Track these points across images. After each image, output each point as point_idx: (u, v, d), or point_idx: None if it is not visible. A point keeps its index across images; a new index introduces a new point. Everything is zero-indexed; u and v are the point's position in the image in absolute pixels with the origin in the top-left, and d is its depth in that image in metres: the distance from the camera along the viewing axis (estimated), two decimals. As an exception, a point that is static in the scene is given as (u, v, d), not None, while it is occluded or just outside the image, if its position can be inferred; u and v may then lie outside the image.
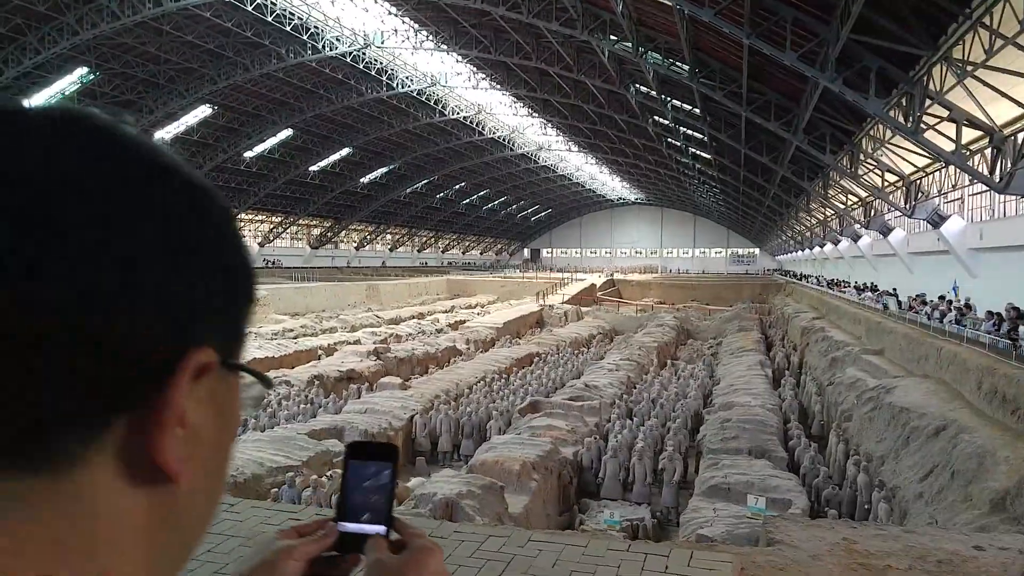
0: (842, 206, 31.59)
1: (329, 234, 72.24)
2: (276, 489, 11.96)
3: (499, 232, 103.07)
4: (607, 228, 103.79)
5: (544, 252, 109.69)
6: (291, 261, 66.90)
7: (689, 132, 39.83)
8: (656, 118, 41.61)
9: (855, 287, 30.62)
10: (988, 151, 13.86)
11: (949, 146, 14.51)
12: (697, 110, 33.32)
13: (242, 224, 63.97)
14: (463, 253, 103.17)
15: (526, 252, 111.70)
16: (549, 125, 57.21)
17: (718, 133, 33.98)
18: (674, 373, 23.08)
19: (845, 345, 19.24)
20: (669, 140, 46.37)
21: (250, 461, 13.02)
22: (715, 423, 15.51)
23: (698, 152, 44.29)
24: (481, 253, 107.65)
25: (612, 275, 67.51)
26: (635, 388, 20.72)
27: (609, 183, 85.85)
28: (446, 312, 46.04)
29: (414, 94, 47.36)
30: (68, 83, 35.12)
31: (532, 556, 3.78)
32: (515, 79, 43.33)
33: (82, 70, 34.54)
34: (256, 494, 12.15)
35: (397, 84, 45.02)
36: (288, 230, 68.14)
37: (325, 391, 21.02)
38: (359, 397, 20.56)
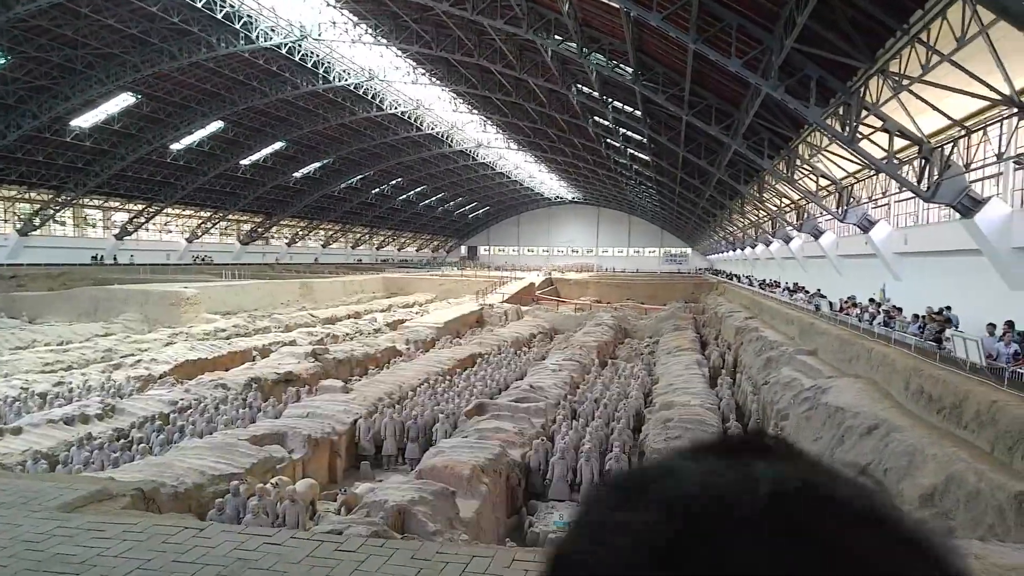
0: (775, 209, 32.67)
1: (260, 230, 70.21)
2: (220, 499, 11.47)
3: (436, 229, 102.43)
4: (545, 226, 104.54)
5: (482, 250, 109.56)
6: (220, 258, 64.67)
7: (629, 134, 40.50)
8: (597, 119, 42.11)
9: (786, 288, 31.73)
10: (917, 161, 14.53)
11: (881, 155, 15.16)
12: (638, 112, 33.88)
13: (168, 219, 61.46)
14: (399, 250, 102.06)
15: (463, 249, 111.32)
16: (489, 123, 57.16)
17: (657, 135, 34.64)
18: (615, 372, 23.38)
19: (779, 345, 19.89)
20: (608, 141, 47.05)
21: (191, 470, 12.47)
22: (657, 423, 15.77)
23: (636, 153, 45.05)
24: (417, 250, 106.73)
25: (550, 274, 67.99)
26: (578, 388, 20.87)
27: (547, 182, 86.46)
28: (383, 311, 45.40)
29: (351, 88, 46.49)
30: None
31: (523, 579, 3.70)
32: (456, 75, 43.08)
33: (-5, 54, 32.41)
34: (198, 504, 11.65)
35: (333, 77, 44.08)
36: (217, 225, 65.85)
37: (263, 394, 20.39)
38: (298, 400, 20.05)
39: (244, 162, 54.45)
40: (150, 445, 14.97)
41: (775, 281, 37.56)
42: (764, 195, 32.85)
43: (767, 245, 40.76)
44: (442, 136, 60.68)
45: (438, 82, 45.66)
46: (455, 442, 14.49)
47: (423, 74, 44.87)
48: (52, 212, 49.06)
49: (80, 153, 44.88)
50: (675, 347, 27.33)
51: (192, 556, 4.20)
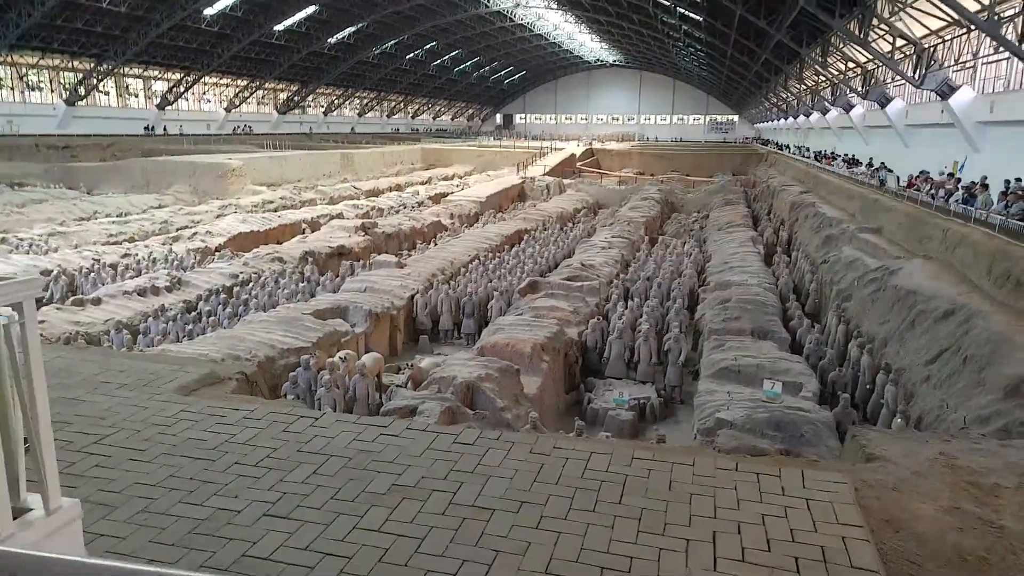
0: (837, 74, 30.86)
1: (296, 98, 69.07)
2: (292, 372, 12.01)
3: (471, 96, 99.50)
4: (584, 92, 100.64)
5: (518, 118, 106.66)
6: (259, 127, 64.25)
7: (680, -9, 38.12)
8: (647, -25, 39.51)
9: (844, 160, 30.48)
10: (1022, 18, 13.29)
11: (977, 8, 13.89)
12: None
13: (206, 88, 60.64)
14: (434, 119, 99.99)
15: (499, 118, 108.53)
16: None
17: (713, -7, 32.48)
18: (666, 250, 23.22)
19: (839, 222, 19.34)
20: (657, -1, 44.34)
21: (261, 343, 12.98)
22: (713, 303, 15.77)
23: (687, 13, 42.53)
24: (452, 119, 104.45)
25: (591, 144, 66.28)
26: (629, 267, 20.86)
27: (587, 44, 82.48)
28: (424, 184, 45.14)
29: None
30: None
31: (644, 478, 3.83)
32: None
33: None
34: (271, 376, 12.25)
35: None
36: (254, 94, 64.91)
37: (318, 268, 20.86)
38: (353, 274, 20.47)
39: (278, 27, 52.70)
40: (218, 318, 15.55)
41: (832, 152, 36.08)
42: (827, 59, 30.91)
43: (823, 113, 38.86)
44: (479, -4, 57.69)
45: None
46: (513, 320, 14.76)
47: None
48: (95, 81, 48.75)
49: (116, 19, 43.84)
50: (726, 223, 26.87)
51: (315, 446, 4.42)
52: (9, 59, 44.49)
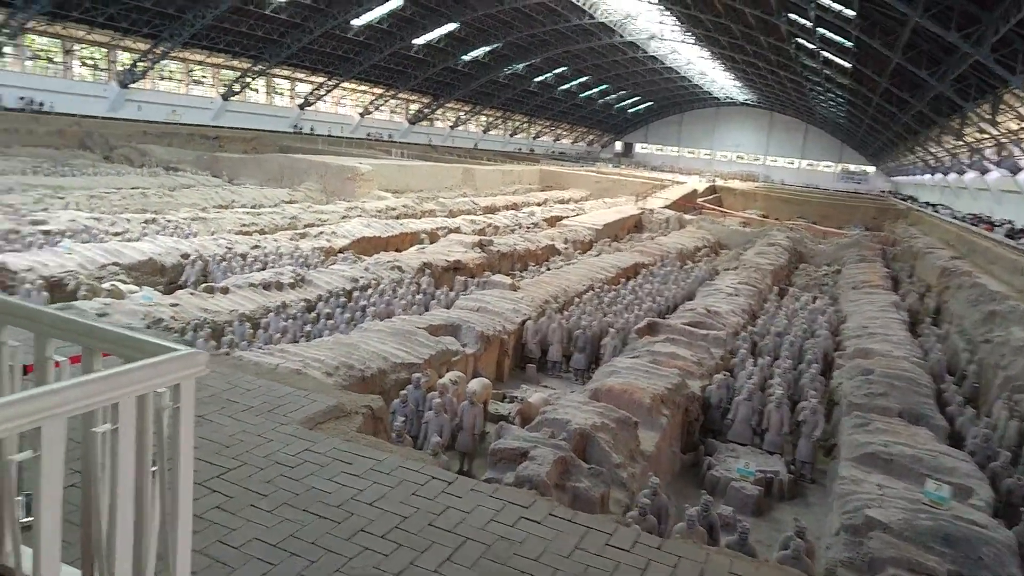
0: (1008, 133, 28.27)
1: (426, 111, 71.07)
2: (403, 391, 11.73)
3: (593, 122, 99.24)
4: (709, 128, 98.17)
5: (638, 147, 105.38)
6: (387, 135, 66.51)
7: (828, 35, 36.39)
8: (792, 16, 38.07)
9: (1007, 228, 27.69)
10: None
11: None
12: (849, 11, 30.00)
13: (344, 94, 63.36)
14: (554, 141, 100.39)
15: (619, 145, 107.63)
16: (667, 13, 53.32)
17: (868, 39, 30.67)
18: (796, 304, 21.67)
19: (1004, 298, 17.32)
20: (800, 41, 42.65)
21: (375, 355, 12.81)
22: (852, 372, 14.37)
23: (832, 57, 40.61)
24: (573, 142, 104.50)
25: (714, 180, 64.28)
26: (757, 318, 19.56)
27: (719, 80, 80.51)
28: (539, 205, 44.94)
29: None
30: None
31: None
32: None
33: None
34: (381, 390, 12.01)
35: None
36: (388, 103, 67.25)
37: (434, 280, 20.82)
38: (465, 289, 20.27)
39: (417, 42, 54.37)
40: (336, 322, 15.61)
41: (988, 218, 32.97)
42: (997, 116, 28.33)
43: (982, 173, 35.72)
44: (614, 25, 57.51)
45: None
46: (630, 363, 13.94)
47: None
48: (249, 80, 52.05)
49: (276, 25, 46.60)
50: (862, 281, 24.90)
51: (449, 521, 3.88)
52: (181, 55, 48.05)
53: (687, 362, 14.39)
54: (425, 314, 16.70)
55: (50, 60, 44.08)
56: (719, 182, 64.62)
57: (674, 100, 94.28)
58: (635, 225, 40.57)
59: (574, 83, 76.93)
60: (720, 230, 39.72)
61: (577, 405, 11.38)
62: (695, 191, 55.50)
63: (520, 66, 66.08)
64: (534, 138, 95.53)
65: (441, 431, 11.07)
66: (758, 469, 11.29)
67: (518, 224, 35.06)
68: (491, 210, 39.58)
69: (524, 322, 17.17)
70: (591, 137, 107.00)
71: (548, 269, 24.76)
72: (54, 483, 1.75)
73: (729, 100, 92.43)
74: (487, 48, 59.94)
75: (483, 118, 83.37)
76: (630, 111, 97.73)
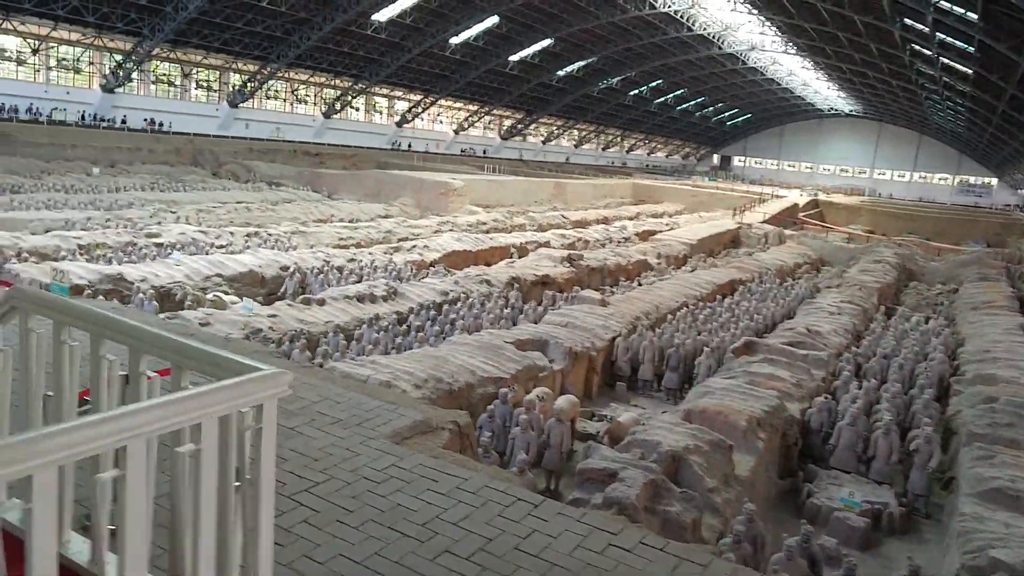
0: None
1: (519, 126, 71.80)
2: (490, 406, 11.72)
3: (689, 135, 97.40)
4: (811, 140, 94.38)
5: (736, 160, 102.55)
6: (481, 151, 67.60)
7: (947, 40, 34.27)
8: (908, 21, 36.10)
9: None
10: None
11: None
12: (972, 14, 28.17)
13: (440, 111, 64.94)
14: (648, 154, 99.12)
15: (715, 158, 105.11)
16: (769, 24, 51.76)
17: (994, 42, 28.65)
18: (907, 325, 20.30)
19: None
20: (916, 47, 40.36)
21: (463, 368, 12.88)
22: (973, 399, 13.26)
23: (952, 63, 38.19)
24: (667, 156, 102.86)
25: (816, 194, 61.61)
26: (862, 339, 18.44)
27: (823, 91, 77.35)
28: (632, 219, 44.32)
29: (627, -18, 44.21)
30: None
31: None
32: (743, -32, 38.91)
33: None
34: (468, 404, 12.03)
35: (610, -29, 42.09)
36: (482, 119, 68.40)
37: (522, 295, 20.82)
38: (554, 304, 20.15)
39: (513, 58, 55.08)
40: (426, 334, 15.83)
41: None
42: None
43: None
44: (713, 37, 56.33)
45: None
46: (725, 383, 13.41)
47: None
48: (350, 98, 54.27)
49: (376, 45, 48.42)
50: (983, 302, 23.09)
51: (535, 546, 3.76)
52: (286, 75, 50.70)
53: (786, 384, 13.71)
54: (513, 328, 16.70)
55: (170, 83, 47.50)
56: (821, 196, 61.89)
57: (774, 112, 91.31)
58: (732, 240, 39.33)
59: (670, 96, 75.83)
60: (822, 246, 37.95)
61: (669, 426, 11.02)
62: (796, 205, 53.35)
63: (615, 80, 65.77)
64: (627, 152, 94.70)
65: (528, 448, 10.96)
66: (864, 500, 10.56)
67: (609, 238, 34.69)
68: (582, 224, 39.38)
69: (614, 339, 16.87)
70: (687, 150, 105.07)
71: (640, 285, 24.30)
72: (139, 501, 1.75)
73: (833, 111, 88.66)
74: (582, 63, 60.01)
75: (576, 132, 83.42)
76: (728, 124, 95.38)
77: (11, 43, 39.65)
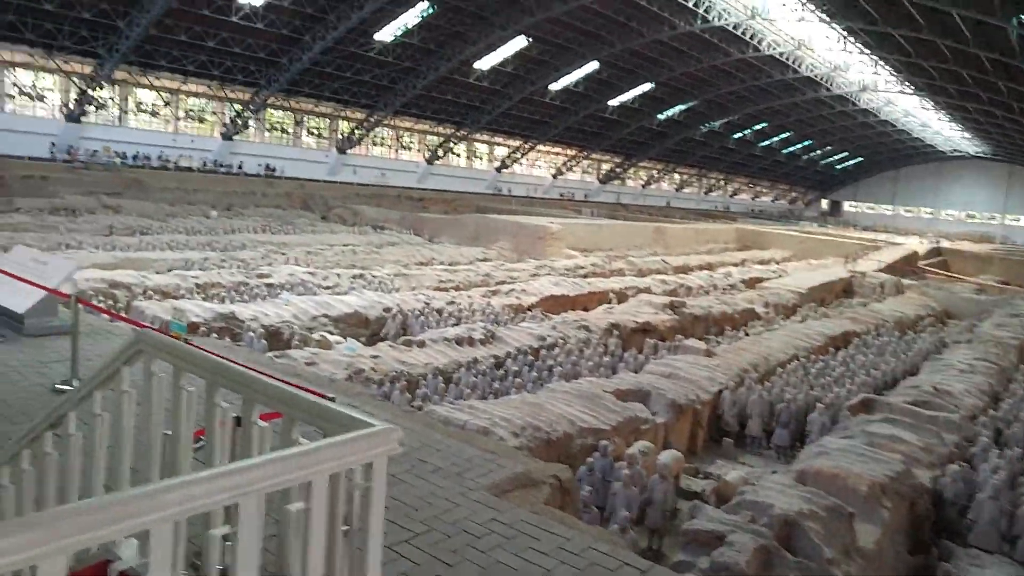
0: None
1: (618, 170, 71.79)
2: (590, 458, 11.39)
3: (796, 179, 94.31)
4: (931, 184, 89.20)
5: (847, 205, 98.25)
6: (579, 195, 67.89)
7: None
8: (1042, 56, 33.74)
9: None
10: None
11: None
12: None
13: (538, 156, 65.96)
14: (753, 199, 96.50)
15: (824, 203, 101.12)
16: (882, 64, 49.77)
17: None
18: (1052, 386, 18.40)
19: None
20: (1051, 84, 37.66)
21: (561, 417, 12.62)
22: None
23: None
24: (773, 200, 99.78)
25: (938, 242, 57.82)
26: (1000, 401, 16.82)
27: (944, 132, 73.17)
28: (737, 266, 42.96)
29: (729, 27, 43.79)
30: (412, 16, 37.84)
31: None
32: (852, 10, 37.73)
33: (423, 4, 36.90)
34: (566, 455, 11.74)
35: (713, 17, 41.85)
36: (580, 164, 68.89)
37: (622, 342, 20.38)
38: (655, 353, 19.61)
39: (612, 103, 55.39)
40: (523, 380, 15.69)
41: None
42: None
43: None
44: (821, 79, 54.68)
45: (828, 18, 40.65)
46: (843, 444, 12.47)
47: (812, 10, 40.24)
48: (452, 145, 56.07)
49: (478, 92, 49.98)
50: None
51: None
52: (392, 123, 53.07)
53: (912, 447, 12.59)
54: (613, 377, 16.30)
55: (284, 131, 50.67)
56: (944, 243, 58.01)
57: (889, 155, 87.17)
58: (844, 290, 37.33)
59: (775, 139, 73.94)
60: (947, 297, 35.36)
61: (780, 487, 10.30)
62: (915, 253, 50.18)
63: (717, 123, 64.86)
64: (731, 196, 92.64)
65: (629, 505, 10.52)
66: (1010, 586, 9.42)
67: (713, 285, 33.72)
68: (683, 270, 38.52)
69: (720, 392, 16.16)
70: (794, 195, 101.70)
71: (746, 335, 23.33)
72: (249, 556, 1.70)
73: (957, 153, 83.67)
74: (683, 106, 59.60)
75: (676, 176, 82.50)
76: (838, 167, 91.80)
77: (147, 96, 43.67)
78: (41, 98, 39.38)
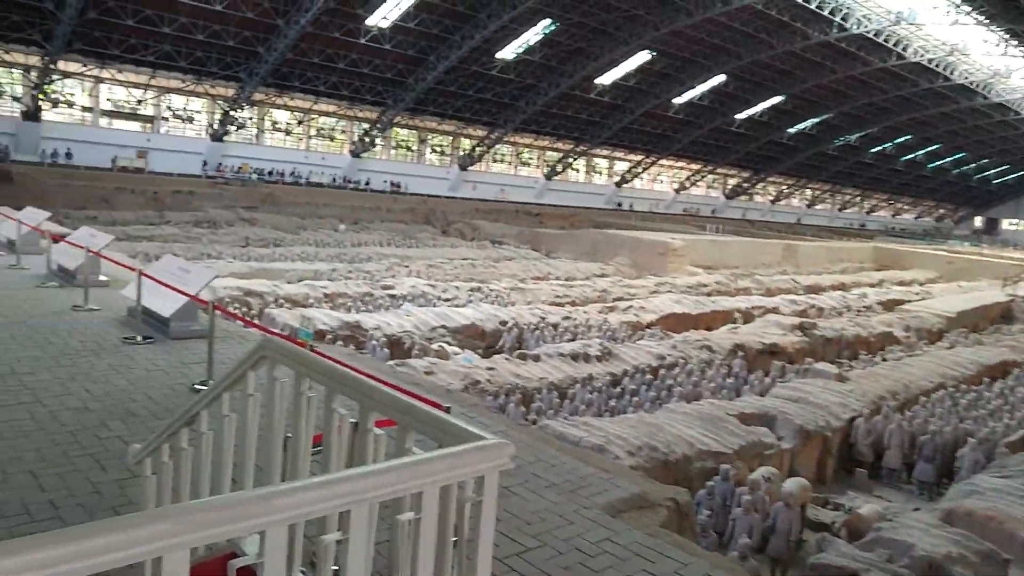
0: None
1: (745, 185, 69.29)
2: (710, 482, 10.92)
3: (944, 195, 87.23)
4: (1110, 198, 79.82)
5: (1005, 223, 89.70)
6: (704, 210, 66.06)
7: None
8: None
9: None
10: None
11: None
12: None
13: (661, 170, 64.86)
14: (893, 216, 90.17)
15: (978, 221, 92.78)
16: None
17: None
18: None
19: None
20: None
21: (680, 439, 12.22)
22: None
23: None
24: (916, 218, 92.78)
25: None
26: None
27: None
28: (873, 286, 40.18)
29: (869, 35, 41.27)
30: (534, 34, 38.44)
31: None
32: (1015, 11, 34.54)
33: (545, 21, 37.38)
34: (685, 478, 11.34)
35: (851, 25, 39.61)
36: (704, 179, 67.09)
37: (747, 364, 19.50)
38: (783, 376, 18.62)
39: (739, 116, 53.66)
40: (641, 399, 15.34)
41: None
42: None
43: None
44: (977, 86, 50.32)
45: (987, 21, 37.42)
46: (998, 483, 11.26)
47: (968, 12, 37.18)
48: (571, 160, 56.25)
49: (598, 108, 49.92)
50: None
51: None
52: (512, 140, 54.00)
53: (1083, 494, 11.17)
54: (736, 400, 15.63)
55: (408, 148, 52.73)
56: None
57: (1055, 167, 78.95)
58: (1002, 315, 34.11)
59: (920, 152, 68.85)
60: None
61: (923, 526, 9.43)
62: (1086, 275, 44.88)
63: (854, 136, 61.27)
64: (867, 212, 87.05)
65: (751, 532, 9.99)
66: None
67: (847, 306, 31.77)
68: (815, 290, 36.53)
69: (853, 419, 15.11)
70: (941, 212, 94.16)
71: (884, 360, 21.72)
72: (359, 562, 1.72)
73: None
74: (815, 119, 56.78)
75: (808, 192, 78.54)
76: (994, 182, 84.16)
77: (282, 116, 46.89)
78: (191, 120, 43.26)
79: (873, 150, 65.90)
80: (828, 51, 44.06)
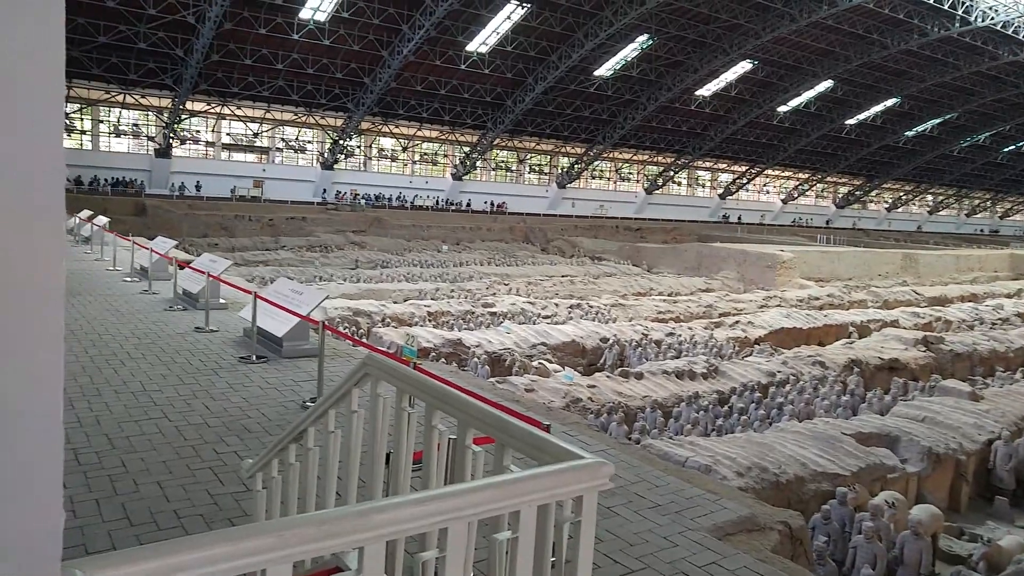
0: None
1: (858, 192, 65.79)
2: (825, 505, 10.30)
3: (1091, 195, 79.35)
4: None
5: None
6: (814, 220, 63.19)
7: None
8: None
9: None
10: None
11: None
12: None
13: (767, 181, 62.70)
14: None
15: None
16: None
17: None
18: None
19: None
20: None
21: (792, 459, 11.61)
22: None
23: None
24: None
25: None
26: None
27: None
28: (1010, 297, 36.98)
29: (997, 27, 38.38)
30: (631, 50, 38.30)
31: None
32: None
33: (642, 37, 37.15)
34: (798, 500, 10.76)
35: (976, 17, 36.99)
36: (813, 188, 64.25)
37: (864, 381, 18.36)
38: (905, 394, 17.39)
39: (849, 122, 51.19)
40: (750, 418, 14.74)
41: None
42: None
43: None
44: None
45: None
46: None
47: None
48: (672, 173, 55.37)
49: (699, 120, 48.99)
50: None
51: None
52: (610, 155, 53.76)
53: None
54: (853, 419, 14.71)
55: (507, 169, 53.43)
56: None
57: None
58: None
59: (1059, 149, 63.16)
60: None
61: (1078, 565, 8.50)
62: None
63: (982, 136, 57.00)
64: (1001, 217, 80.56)
65: (874, 562, 9.33)
66: None
67: (979, 319, 29.38)
68: (940, 301, 34.06)
69: (991, 442, 13.87)
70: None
71: (1024, 377, 19.87)
72: None
73: None
74: (936, 120, 53.27)
75: (929, 197, 73.59)
76: None
77: (387, 143, 48.76)
78: (303, 150, 45.79)
79: (1006, 150, 61.03)
80: (949, 47, 41.33)
